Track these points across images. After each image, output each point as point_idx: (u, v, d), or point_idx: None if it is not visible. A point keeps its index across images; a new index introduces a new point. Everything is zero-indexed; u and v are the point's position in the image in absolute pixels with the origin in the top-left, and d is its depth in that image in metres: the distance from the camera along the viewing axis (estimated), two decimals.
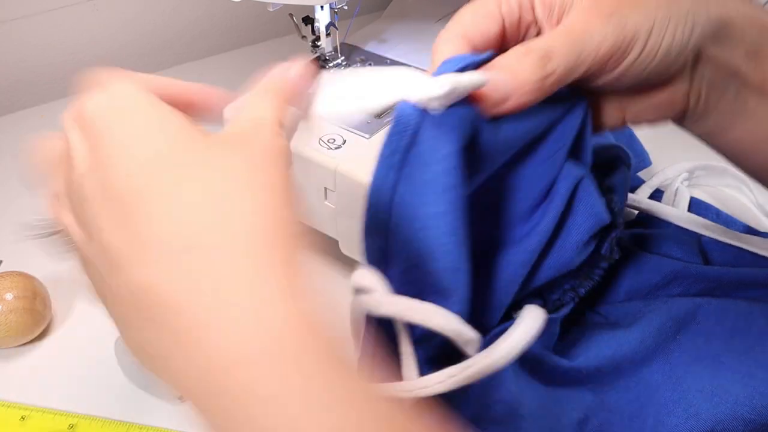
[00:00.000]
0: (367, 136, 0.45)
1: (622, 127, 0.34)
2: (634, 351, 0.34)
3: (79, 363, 0.45)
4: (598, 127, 0.34)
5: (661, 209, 0.45)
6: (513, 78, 0.27)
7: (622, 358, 0.34)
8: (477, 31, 0.30)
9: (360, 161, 0.43)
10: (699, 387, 0.32)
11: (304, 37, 0.52)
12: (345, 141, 0.45)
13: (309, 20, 0.51)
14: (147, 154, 0.22)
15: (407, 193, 0.27)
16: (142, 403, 0.42)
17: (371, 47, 0.56)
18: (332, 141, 0.45)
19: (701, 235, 0.44)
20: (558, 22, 0.30)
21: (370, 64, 0.53)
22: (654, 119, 0.33)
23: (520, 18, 0.31)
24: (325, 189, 0.45)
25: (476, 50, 0.30)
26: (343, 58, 0.53)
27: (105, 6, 0.70)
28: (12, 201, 0.58)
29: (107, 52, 0.73)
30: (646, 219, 0.46)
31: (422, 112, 0.27)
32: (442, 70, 0.27)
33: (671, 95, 0.31)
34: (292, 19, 0.51)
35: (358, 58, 0.54)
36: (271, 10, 0.48)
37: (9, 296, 0.43)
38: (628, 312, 0.37)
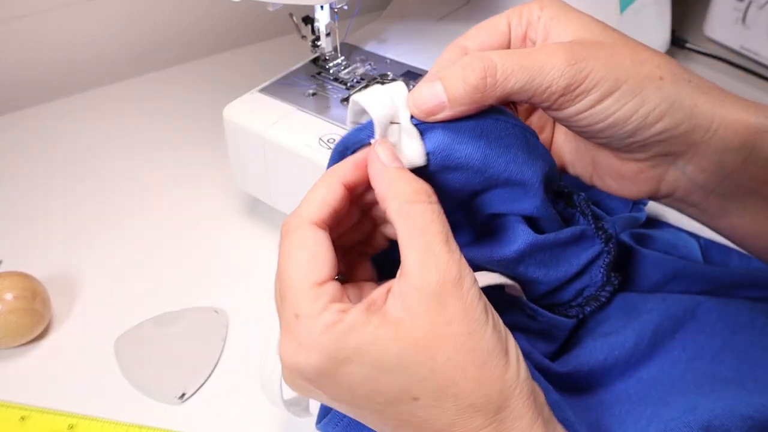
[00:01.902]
0: None
1: (589, 184, 0.34)
2: (629, 354, 0.34)
3: (79, 363, 0.45)
4: (563, 167, 0.35)
5: (660, 210, 0.45)
6: (448, 91, 0.27)
7: (616, 360, 0.34)
8: (475, 42, 0.31)
9: None
10: (698, 383, 0.32)
11: (304, 37, 0.52)
12: None
13: (309, 20, 0.51)
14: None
15: None
16: (142, 403, 0.42)
17: (371, 47, 0.56)
18: (332, 141, 0.45)
19: (700, 236, 0.44)
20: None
21: (370, 64, 0.53)
22: (620, 190, 0.33)
23: (525, 35, 0.31)
24: None
25: None
26: (343, 58, 0.54)
27: (105, 6, 0.70)
28: (12, 201, 0.58)
29: (107, 51, 0.73)
30: (646, 219, 0.46)
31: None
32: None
33: (639, 173, 0.31)
34: (292, 19, 0.51)
35: (358, 58, 0.54)
36: (271, 10, 0.48)
37: (9, 296, 0.43)
38: (625, 310, 0.37)
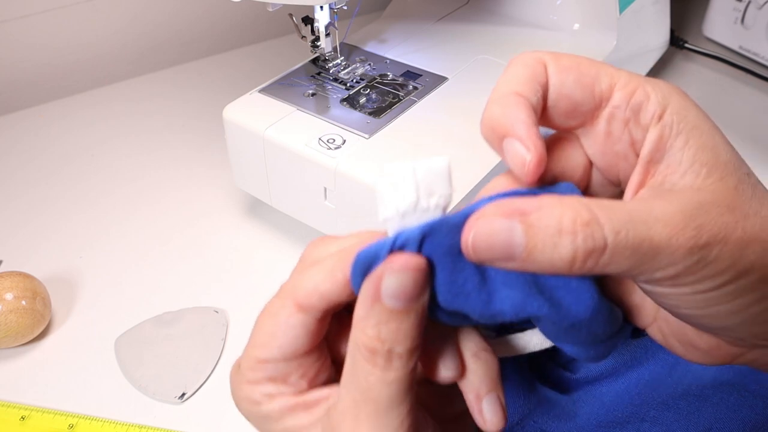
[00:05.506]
0: (366, 136, 0.45)
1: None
2: (631, 360, 0.34)
3: (79, 363, 0.45)
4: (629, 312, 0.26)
5: None
6: (529, 250, 0.19)
7: (623, 364, 0.34)
8: (558, 77, 0.22)
9: (360, 161, 0.44)
10: (700, 386, 0.32)
11: (303, 37, 0.52)
12: (345, 141, 0.45)
13: (309, 20, 0.51)
14: None
15: None
16: (142, 403, 0.42)
17: (371, 47, 0.56)
18: (332, 141, 0.45)
19: None
20: (649, 154, 0.21)
21: (369, 64, 0.53)
22: (684, 354, 0.24)
23: (625, 120, 0.22)
24: (325, 189, 0.45)
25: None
26: (342, 58, 0.54)
27: (105, 6, 0.70)
28: (12, 201, 0.58)
29: (107, 51, 0.73)
30: None
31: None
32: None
33: (716, 347, 0.23)
34: (292, 19, 0.51)
35: (357, 58, 0.54)
36: (271, 10, 0.48)
37: (9, 296, 0.43)
38: None
